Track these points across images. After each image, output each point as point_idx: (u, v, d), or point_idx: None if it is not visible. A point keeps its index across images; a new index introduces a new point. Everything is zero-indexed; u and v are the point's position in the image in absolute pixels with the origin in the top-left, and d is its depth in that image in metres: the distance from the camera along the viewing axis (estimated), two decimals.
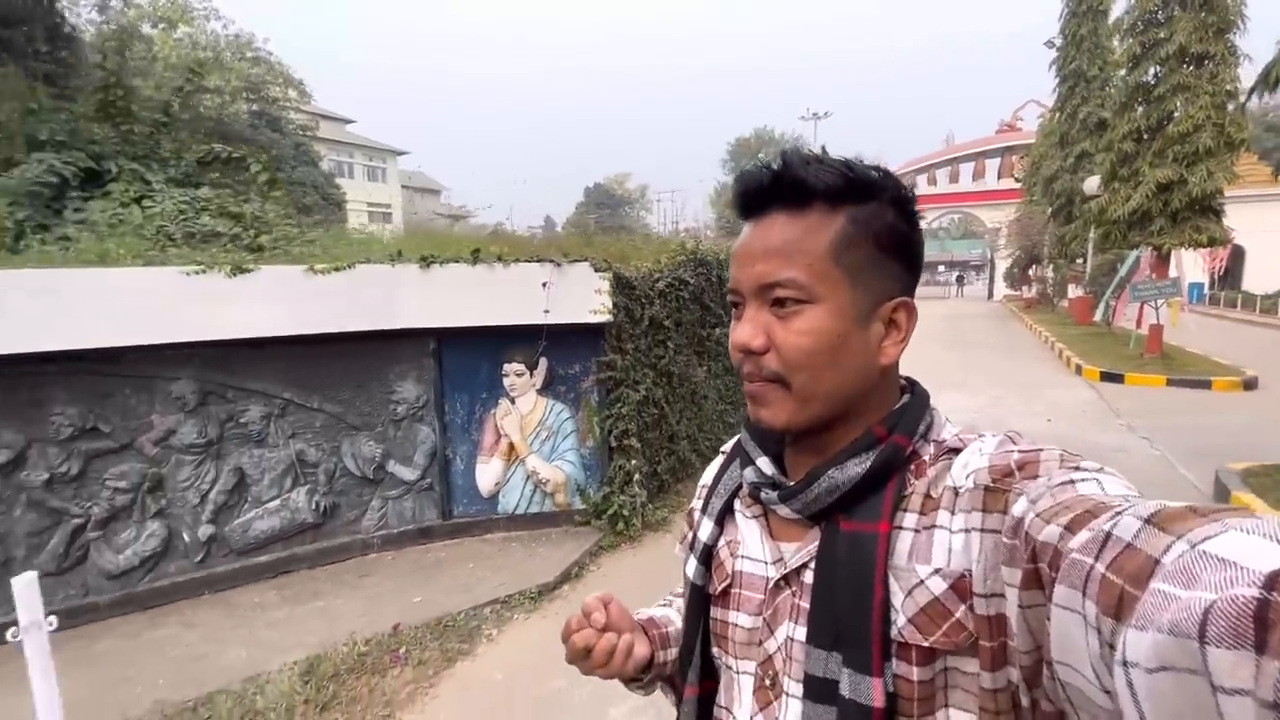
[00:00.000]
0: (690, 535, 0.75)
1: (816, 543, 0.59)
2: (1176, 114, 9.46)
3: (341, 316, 3.71)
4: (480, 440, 4.21)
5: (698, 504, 0.76)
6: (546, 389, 4.22)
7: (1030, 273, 25.47)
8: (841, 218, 0.58)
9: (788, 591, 0.61)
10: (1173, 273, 10.39)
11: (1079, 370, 10.22)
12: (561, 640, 0.70)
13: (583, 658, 0.69)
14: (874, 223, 0.58)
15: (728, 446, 0.76)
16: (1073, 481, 0.45)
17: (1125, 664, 0.31)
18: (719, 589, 0.67)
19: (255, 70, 18.31)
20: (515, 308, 3.96)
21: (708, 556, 0.69)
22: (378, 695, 2.76)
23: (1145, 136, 10.03)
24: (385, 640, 3.09)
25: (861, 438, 0.59)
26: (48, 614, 1.87)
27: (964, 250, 47.15)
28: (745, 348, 0.59)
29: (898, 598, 0.53)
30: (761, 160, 0.61)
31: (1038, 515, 0.43)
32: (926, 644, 0.52)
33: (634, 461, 4.26)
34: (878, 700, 0.52)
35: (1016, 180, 28.93)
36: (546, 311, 3.88)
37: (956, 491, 0.54)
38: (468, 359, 4.12)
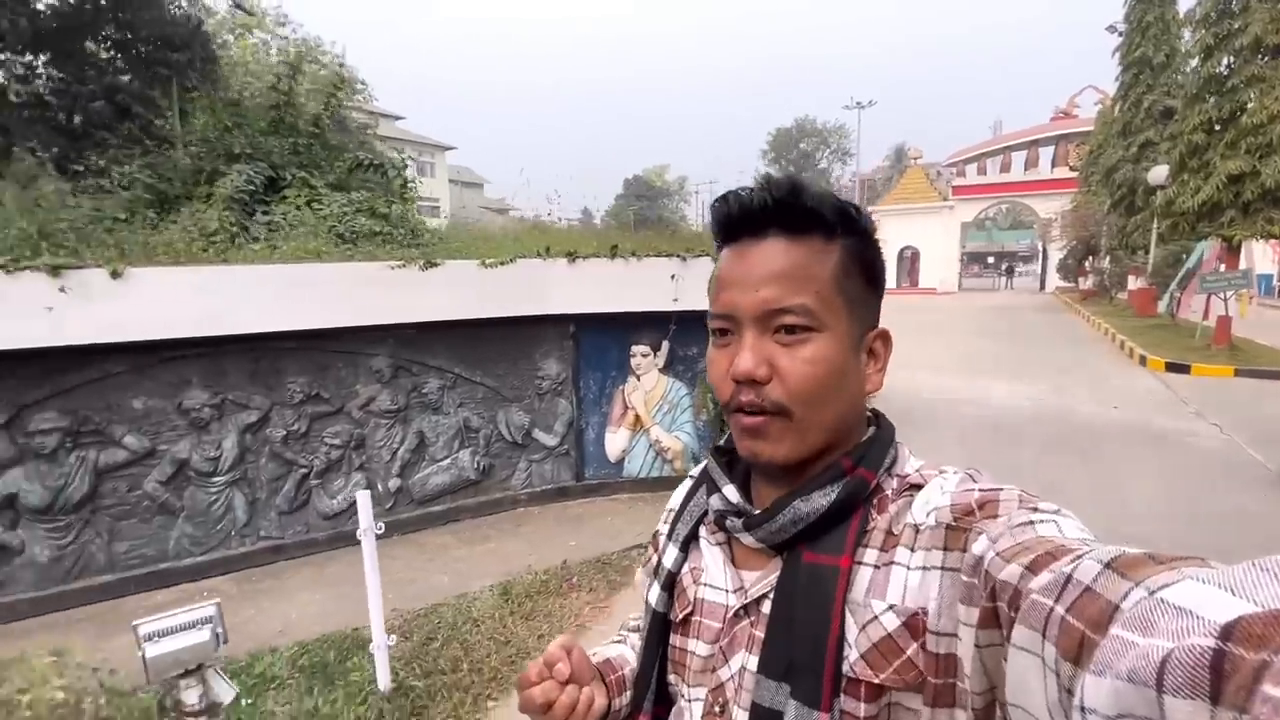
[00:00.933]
0: (655, 560, 0.74)
1: (777, 573, 0.59)
2: (1250, 105, 9.47)
3: (503, 303, 4.35)
4: (610, 412, 4.82)
5: (664, 528, 0.75)
6: (668, 368, 4.81)
7: (1086, 264, 25.01)
8: (838, 247, 0.59)
9: (746, 621, 0.61)
10: (1242, 264, 10.38)
11: (1143, 361, 10.33)
12: (518, 689, 0.66)
13: (541, 713, 0.64)
14: (862, 254, 0.60)
15: (695, 471, 0.76)
16: (1032, 523, 0.46)
17: (1084, 710, 0.31)
18: (680, 616, 0.66)
19: (324, 74, 19.32)
20: (643, 296, 4.55)
21: (671, 583, 0.68)
22: (566, 611, 3.39)
23: (1217, 128, 10.05)
24: (558, 571, 3.73)
25: (828, 469, 0.59)
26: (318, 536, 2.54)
27: (1012, 240, 46.06)
28: (749, 377, 0.57)
29: (852, 632, 0.53)
30: (756, 182, 0.60)
31: (998, 554, 0.43)
32: (877, 680, 0.52)
33: (710, 423, 4.83)
34: None
35: (1072, 169, 28.28)
36: (675, 300, 4.45)
37: (917, 529, 0.54)
38: (601, 341, 4.73)
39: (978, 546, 0.46)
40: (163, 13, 6.80)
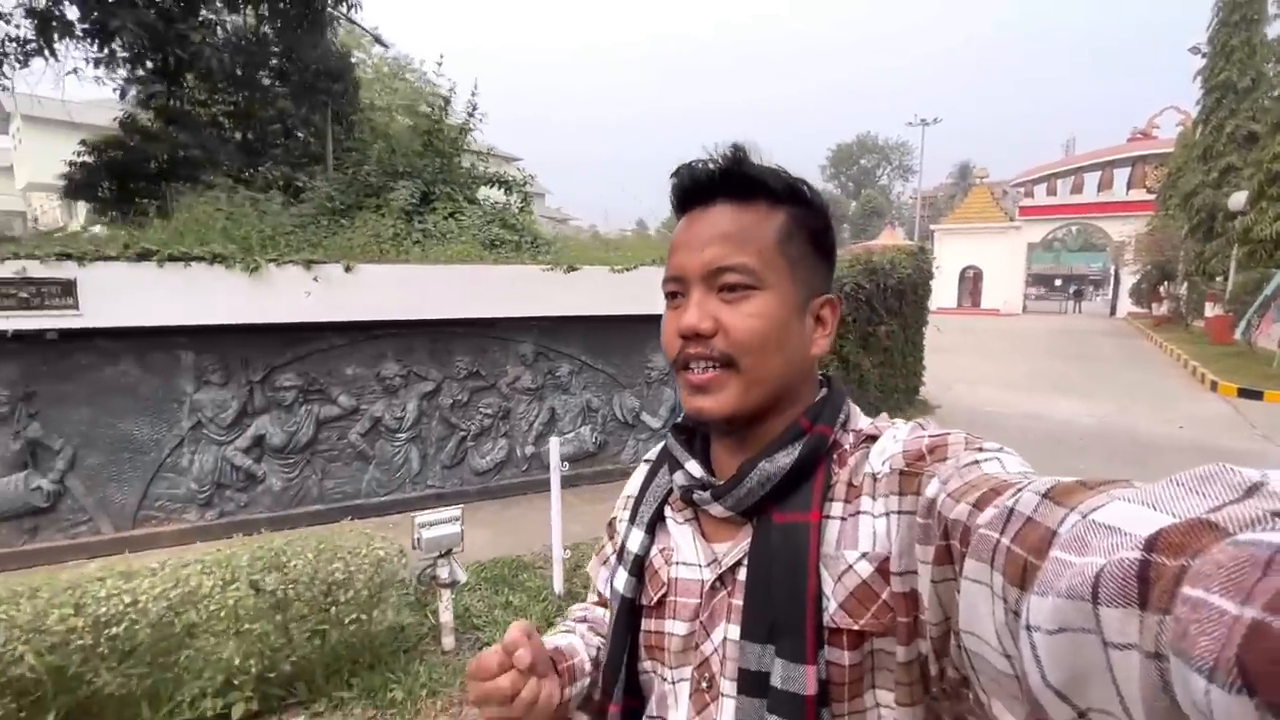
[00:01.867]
0: (615, 548, 0.74)
1: (749, 539, 0.60)
2: None
3: (624, 303, 5.14)
4: None
5: (623, 514, 0.76)
6: None
7: (1161, 289, 24.30)
8: (782, 213, 0.62)
9: (723, 592, 0.62)
10: None
11: (1214, 386, 10.36)
12: (472, 678, 0.60)
13: (501, 704, 0.59)
14: (809, 222, 0.63)
15: (650, 455, 0.77)
16: (977, 462, 0.48)
17: (1029, 628, 0.32)
18: (654, 599, 0.66)
19: (411, 89, 20.88)
20: None
21: (639, 567, 0.68)
22: None
23: None
24: None
25: (788, 429, 0.61)
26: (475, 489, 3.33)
27: (1081, 263, 44.58)
28: (694, 330, 0.60)
29: (828, 584, 0.55)
30: (706, 154, 0.63)
31: (949, 495, 0.46)
32: (856, 627, 0.53)
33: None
34: (810, 688, 0.53)
35: (1149, 191, 27.50)
36: None
37: (875, 477, 0.56)
38: None
39: (930, 489, 0.48)
40: (323, 46, 7.99)
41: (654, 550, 0.69)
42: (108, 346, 3.81)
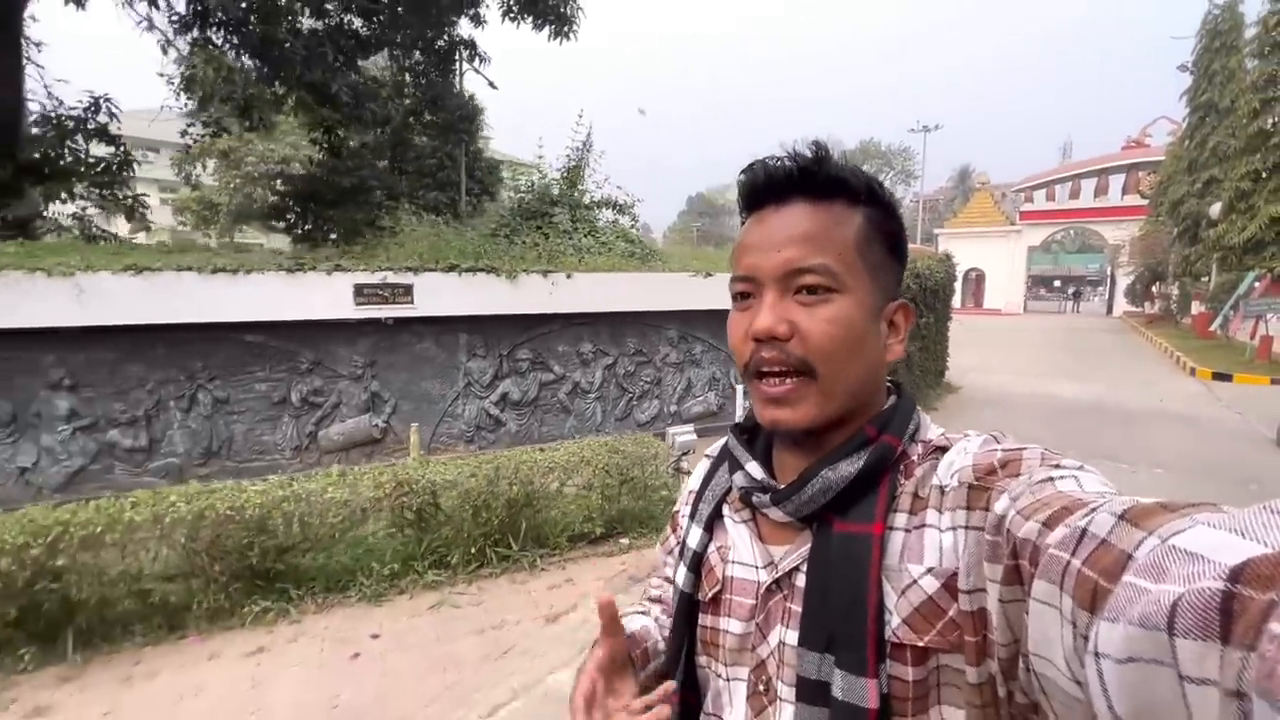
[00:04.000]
0: (678, 541, 0.75)
1: (808, 545, 0.59)
2: None
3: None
4: None
5: (684, 509, 0.76)
6: None
7: (1154, 289, 26.14)
8: (860, 215, 0.60)
9: (779, 595, 0.61)
10: None
11: (1192, 371, 12.18)
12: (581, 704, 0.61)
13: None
14: (884, 225, 0.62)
15: (712, 450, 0.77)
16: (1052, 479, 0.46)
17: (1097, 655, 0.31)
18: (709, 595, 0.67)
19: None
20: None
21: (697, 563, 0.69)
22: None
23: (1263, 176, 11.89)
24: None
25: (854, 437, 0.59)
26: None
27: (1080, 264, 46.44)
28: (768, 333, 0.58)
29: (891, 598, 0.54)
30: (782, 151, 0.61)
31: (1018, 512, 0.44)
32: (921, 644, 0.52)
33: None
34: (871, 702, 0.52)
35: (1143, 196, 29.32)
36: None
37: (943, 490, 0.55)
38: None
39: (1000, 505, 0.47)
40: (459, 94, 9.80)
41: (711, 547, 0.69)
42: (420, 330, 5.60)
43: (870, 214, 0.61)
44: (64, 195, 7.36)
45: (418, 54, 9.50)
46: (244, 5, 7.50)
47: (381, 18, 8.81)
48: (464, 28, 9.70)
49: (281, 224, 9.27)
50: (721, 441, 0.75)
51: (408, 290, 5.36)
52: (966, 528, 0.51)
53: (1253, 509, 0.30)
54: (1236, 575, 0.26)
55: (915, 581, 0.53)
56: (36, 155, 7.38)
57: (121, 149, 8.23)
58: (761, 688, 0.61)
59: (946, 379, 10.56)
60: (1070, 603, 0.35)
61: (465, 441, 5.92)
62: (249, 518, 3.30)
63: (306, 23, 8.42)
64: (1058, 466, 0.48)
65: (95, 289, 4.43)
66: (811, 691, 0.55)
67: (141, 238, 10.77)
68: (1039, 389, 10.48)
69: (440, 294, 5.51)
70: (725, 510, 0.70)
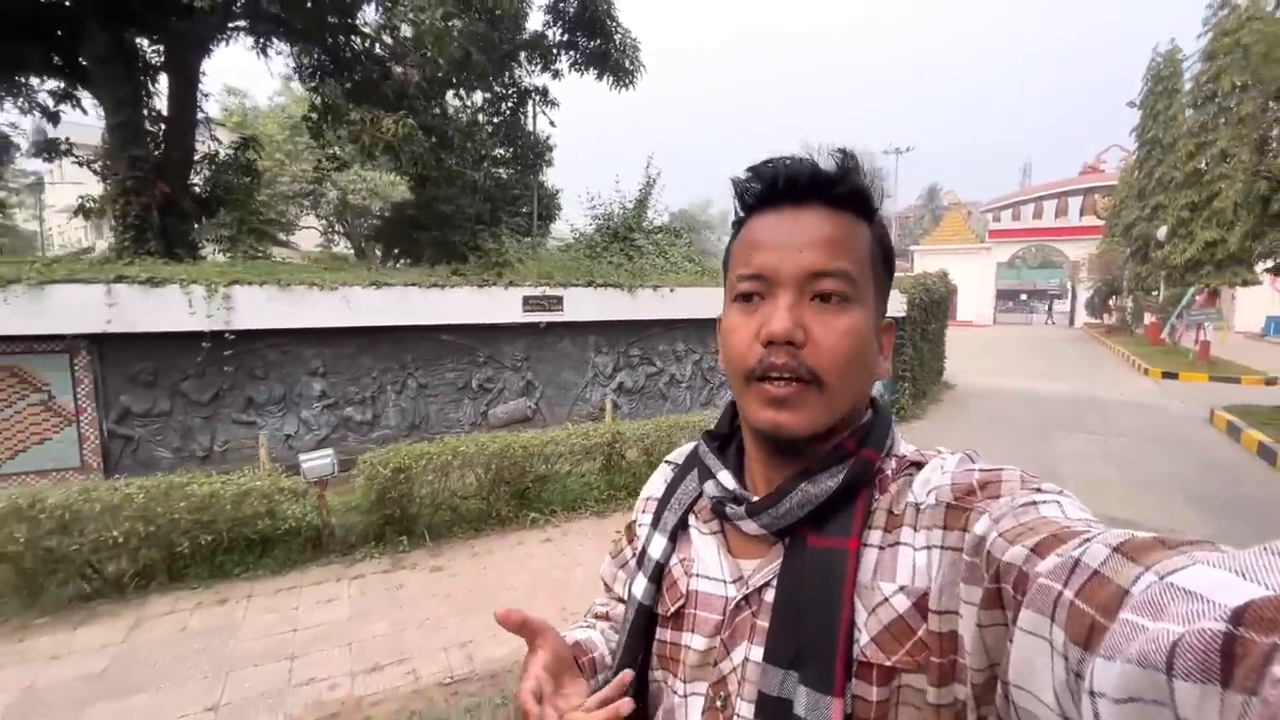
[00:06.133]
0: (636, 551, 0.72)
1: (779, 560, 0.58)
2: (1220, 194, 13.56)
3: None
4: None
5: (644, 518, 0.74)
6: None
7: (1111, 303, 28.79)
8: (866, 228, 0.60)
9: (748, 611, 0.59)
10: (1227, 307, 14.30)
11: (1145, 371, 14.30)
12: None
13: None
14: (884, 242, 0.62)
15: (675, 456, 0.76)
16: (1035, 503, 0.46)
17: (1093, 694, 0.31)
18: (671, 610, 0.65)
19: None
20: None
21: (659, 574, 0.67)
22: None
23: (1199, 206, 14.13)
24: None
25: (833, 451, 0.58)
26: None
27: (1041, 279, 49.67)
28: (786, 337, 0.55)
29: (861, 616, 0.53)
30: (800, 153, 0.60)
31: (1001, 535, 0.43)
32: (889, 663, 0.51)
33: (906, 385, 9.02)
34: None
35: (1099, 217, 32.17)
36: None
37: (919, 508, 0.54)
38: None
39: (979, 526, 0.46)
40: (530, 135, 11.41)
41: (674, 559, 0.67)
42: (561, 332, 7.15)
43: (873, 229, 0.61)
44: (231, 223, 8.72)
45: (499, 99, 11.12)
46: (358, 58, 8.95)
47: (472, 73, 10.39)
48: (538, 77, 11.37)
49: (380, 246, 10.69)
50: (686, 448, 0.74)
51: (559, 301, 6.93)
52: (942, 547, 0.51)
53: (1253, 550, 0.29)
54: (1238, 617, 0.25)
55: (886, 599, 0.52)
56: (197, 187, 8.75)
57: (257, 181, 9.62)
58: (719, 703, 0.59)
59: (944, 378, 12.42)
60: (1063, 636, 0.34)
61: (591, 420, 7.46)
62: (521, 456, 4.82)
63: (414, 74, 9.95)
64: (1039, 490, 0.48)
65: (352, 299, 5.90)
66: (772, 708, 0.53)
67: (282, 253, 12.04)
68: (1020, 386, 12.40)
69: (581, 303, 7.08)
70: (691, 521, 0.68)
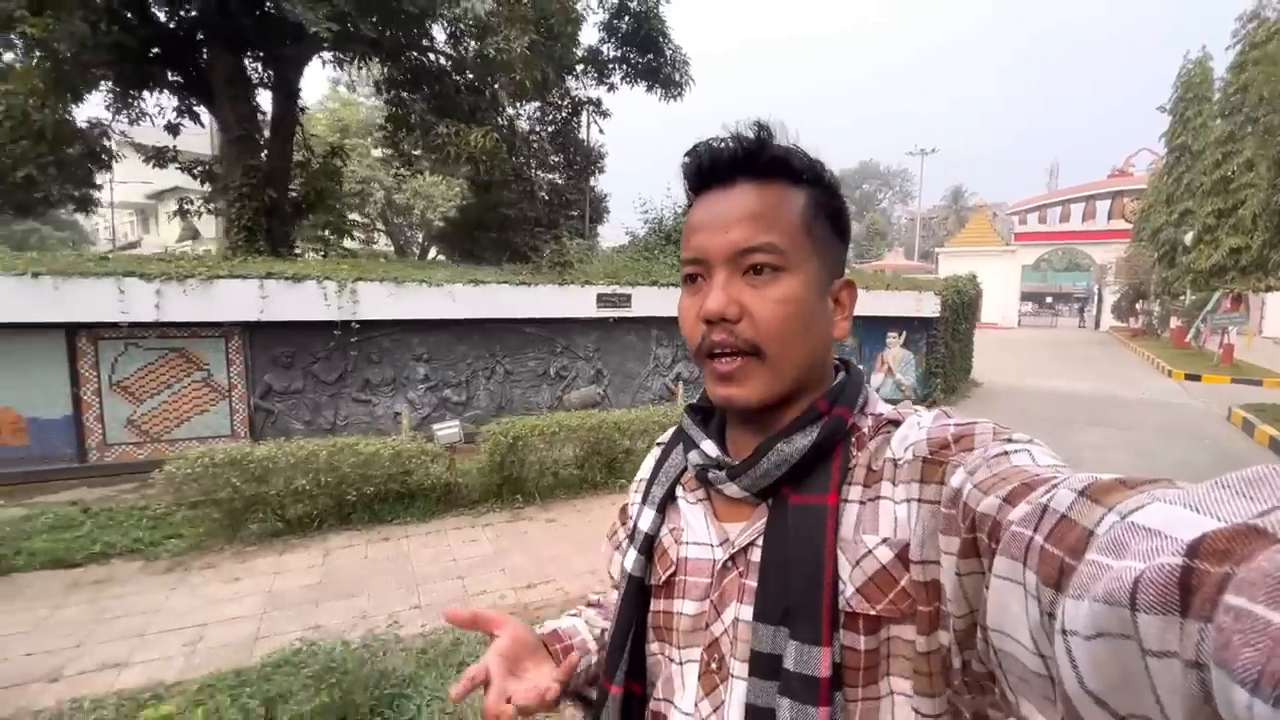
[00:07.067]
0: (628, 528, 0.75)
1: (764, 520, 0.60)
2: (1245, 202, 13.96)
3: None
4: (873, 366, 9.75)
5: (635, 497, 0.76)
6: (906, 344, 9.71)
7: (1137, 306, 28.92)
8: (803, 194, 0.61)
9: (735, 572, 0.61)
10: (1255, 312, 14.66)
11: (1169, 373, 14.74)
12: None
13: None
14: (828, 204, 0.63)
15: (663, 438, 0.78)
16: (1006, 453, 0.47)
17: (1065, 632, 0.32)
18: (662, 578, 0.67)
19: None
20: (898, 307, 9.48)
21: (649, 546, 0.69)
22: None
23: (1225, 214, 14.52)
24: None
25: (806, 412, 0.60)
26: None
27: (1068, 282, 49.45)
28: (719, 315, 0.59)
29: (845, 568, 0.55)
30: (724, 133, 0.62)
31: (975, 486, 0.45)
32: (874, 612, 0.53)
33: (938, 380, 9.69)
34: (824, 670, 0.52)
35: (1127, 221, 32.22)
36: (919, 310, 9.36)
37: (896, 463, 0.56)
38: (873, 329, 9.67)
39: (955, 479, 0.48)
40: (583, 143, 12.22)
41: (664, 530, 0.69)
42: (628, 326, 7.95)
43: (814, 193, 0.62)
44: (325, 225, 9.65)
45: (554, 109, 11.95)
46: (438, 75, 9.81)
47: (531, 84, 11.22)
48: (592, 90, 12.18)
49: (442, 246, 11.59)
50: (672, 430, 0.76)
51: (628, 298, 7.73)
52: (920, 500, 0.53)
53: (1205, 485, 0.30)
54: (1193, 550, 0.26)
55: (870, 551, 0.54)
56: (294, 192, 9.69)
57: (341, 185, 10.55)
58: (714, 666, 0.60)
59: (972, 376, 13.03)
60: (1035, 579, 0.36)
61: (661, 402, 8.25)
62: (613, 431, 5.62)
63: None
64: (1010, 441, 0.49)
65: (455, 294, 6.76)
66: (765, 665, 0.55)
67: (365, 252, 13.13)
68: (1045, 385, 12.96)
69: (647, 300, 7.87)
70: (679, 492, 0.70)
